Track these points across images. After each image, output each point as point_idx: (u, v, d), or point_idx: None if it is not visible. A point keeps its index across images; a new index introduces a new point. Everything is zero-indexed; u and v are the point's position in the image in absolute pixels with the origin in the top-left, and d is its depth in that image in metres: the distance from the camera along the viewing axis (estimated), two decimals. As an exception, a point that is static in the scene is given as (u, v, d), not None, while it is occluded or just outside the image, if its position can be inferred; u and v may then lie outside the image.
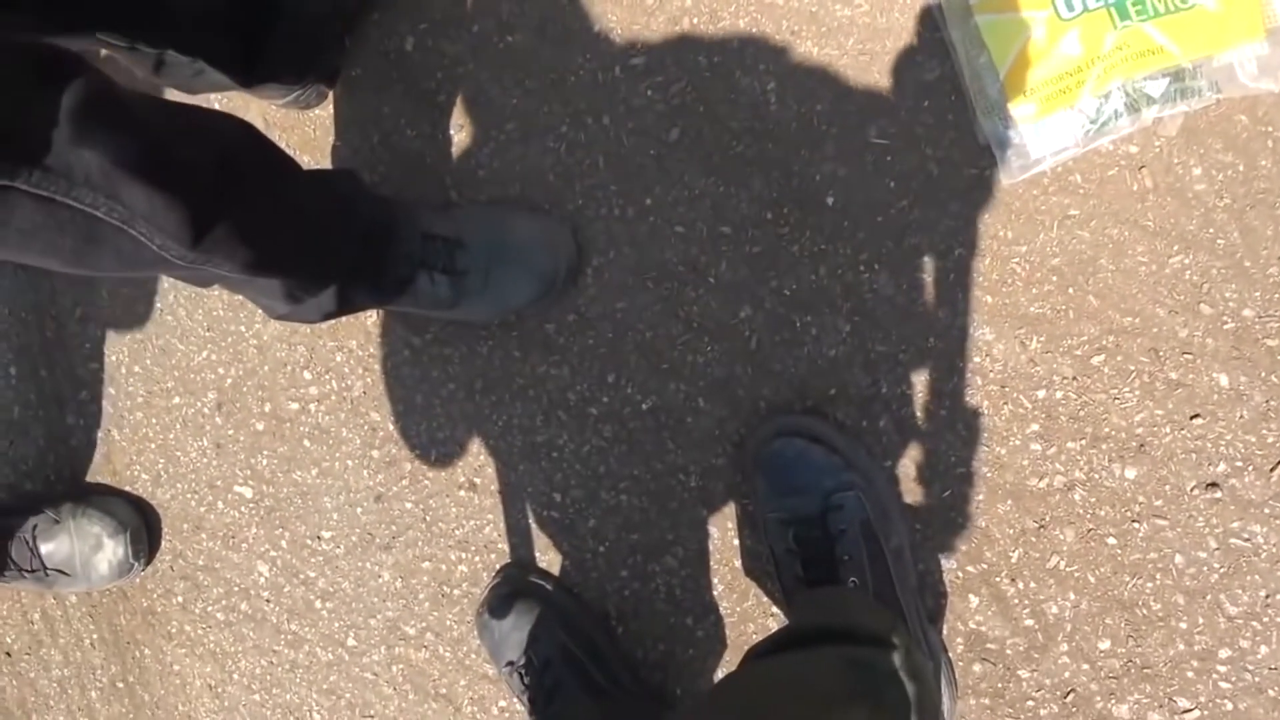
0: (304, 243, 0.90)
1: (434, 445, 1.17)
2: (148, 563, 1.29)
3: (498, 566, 1.14)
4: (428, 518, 1.18)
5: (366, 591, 1.21)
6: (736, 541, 1.06)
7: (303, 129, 1.18)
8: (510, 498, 1.14)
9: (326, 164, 1.18)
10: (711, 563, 1.07)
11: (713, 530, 1.07)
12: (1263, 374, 0.87)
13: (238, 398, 1.24)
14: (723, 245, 1.03)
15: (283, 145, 1.03)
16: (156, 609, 1.31)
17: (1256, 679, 0.90)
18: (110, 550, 1.24)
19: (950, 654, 0.98)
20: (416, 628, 1.19)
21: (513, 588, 1.08)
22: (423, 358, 1.16)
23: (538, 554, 1.13)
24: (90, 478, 1.32)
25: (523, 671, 1.03)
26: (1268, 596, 0.89)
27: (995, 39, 0.88)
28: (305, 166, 0.97)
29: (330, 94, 1.16)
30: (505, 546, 1.14)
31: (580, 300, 1.08)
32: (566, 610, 1.06)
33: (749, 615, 1.06)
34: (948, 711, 0.95)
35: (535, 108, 1.07)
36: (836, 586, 0.90)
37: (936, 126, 0.94)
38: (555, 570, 1.12)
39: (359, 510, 1.20)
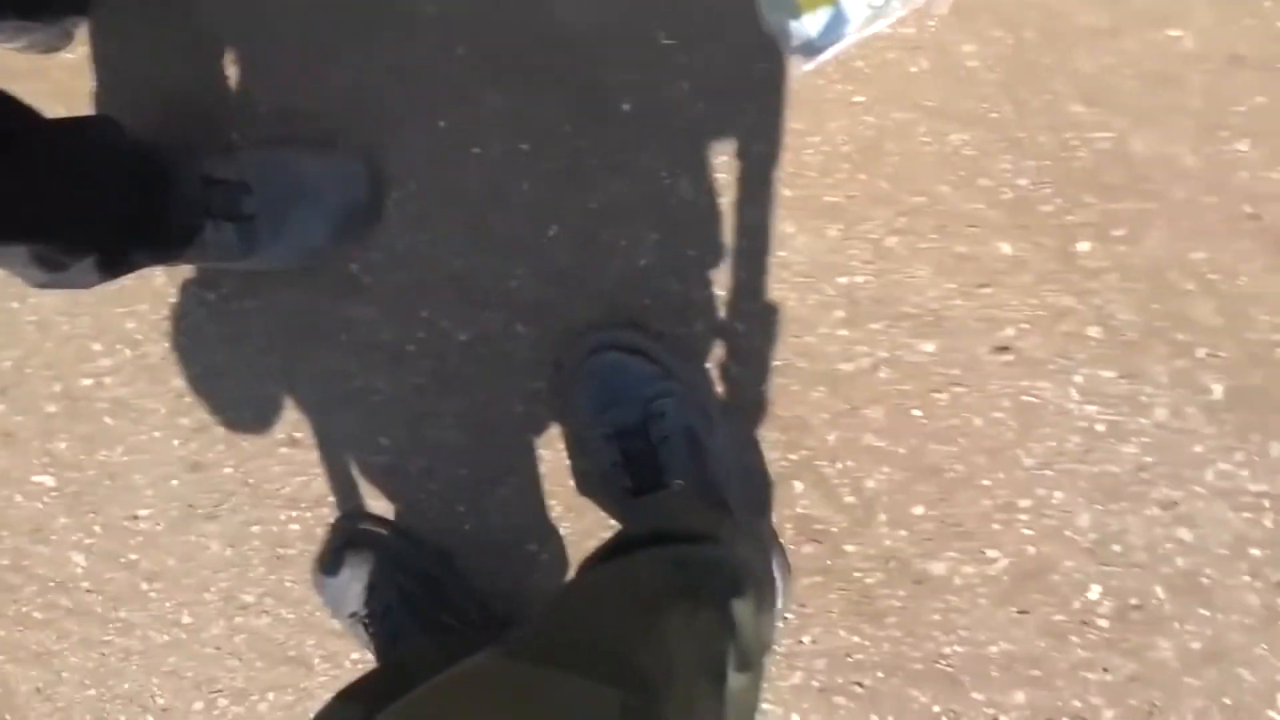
0: (56, 202, 0.82)
1: (247, 404, 1.10)
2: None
3: (330, 520, 1.10)
4: (250, 480, 1.12)
5: (195, 565, 1.14)
6: (568, 462, 1.05)
7: (50, 75, 1.06)
8: (334, 448, 1.09)
9: (85, 113, 1.07)
10: (547, 486, 1.06)
11: (544, 454, 1.05)
12: (1040, 239, 0.92)
13: (21, 381, 1.14)
14: (523, 163, 0.99)
15: (27, 96, 0.93)
16: (-39, 618, 1.20)
17: (1054, 523, 0.97)
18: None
19: (782, 540, 1.02)
20: (254, 594, 1.13)
21: (345, 539, 1.05)
22: (221, 313, 1.09)
23: (370, 501, 1.09)
24: None
25: (366, 621, 1.00)
26: (1058, 446, 0.96)
27: (766, -73, 0.87)
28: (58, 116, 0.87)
29: (76, 33, 1.05)
30: (335, 499, 1.10)
31: (383, 235, 1.03)
32: (403, 554, 1.03)
33: (589, 532, 1.06)
34: (782, 594, 0.99)
35: (316, 34, 1.00)
36: (662, 491, 0.91)
37: (724, 24, 0.93)
38: (390, 515, 1.08)
39: (175, 483, 1.13)
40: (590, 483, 1.05)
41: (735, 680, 0.69)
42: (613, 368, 0.96)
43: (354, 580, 1.01)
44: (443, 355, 1.05)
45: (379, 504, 1.09)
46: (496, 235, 1.01)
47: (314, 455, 1.10)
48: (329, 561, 1.04)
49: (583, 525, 1.06)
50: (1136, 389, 0.93)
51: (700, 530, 0.84)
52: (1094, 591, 0.98)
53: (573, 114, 0.98)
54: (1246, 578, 0.95)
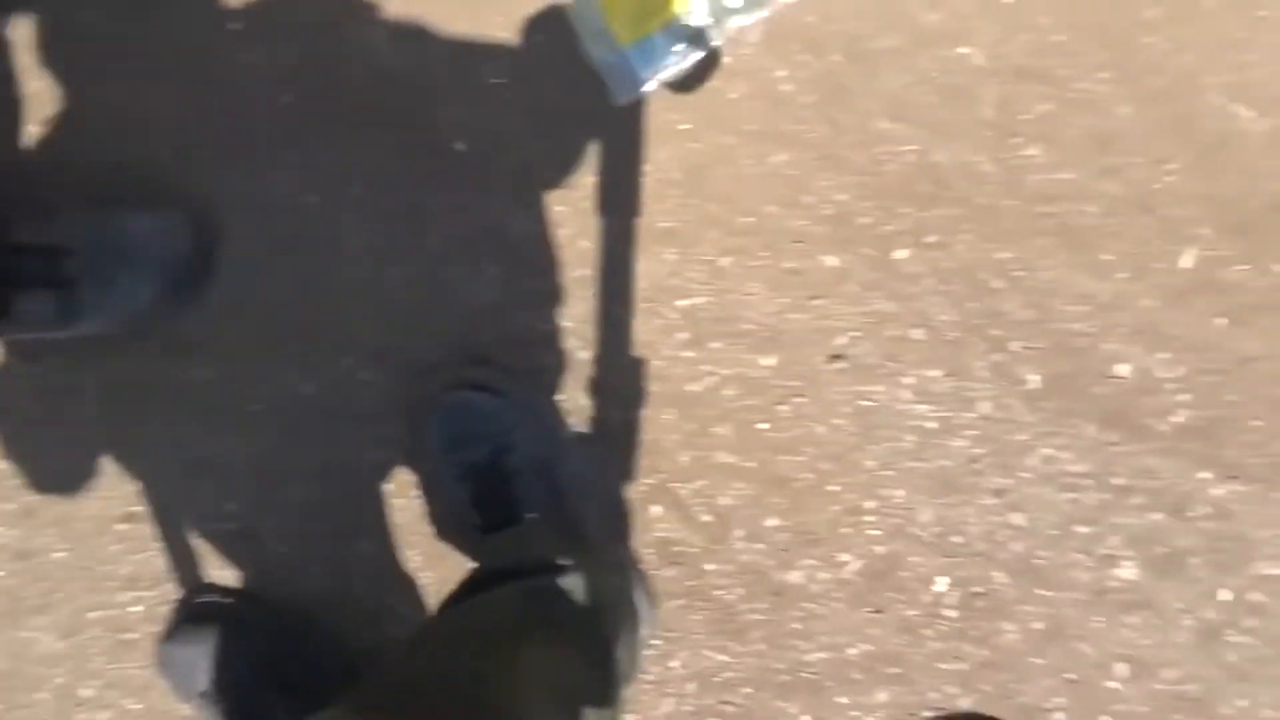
0: None
1: (78, 482, 1.04)
2: None
3: (174, 598, 1.04)
4: (85, 563, 1.05)
5: (25, 665, 1.06)
6: (426, 507, 1.03)
7: None
8: (176, 519, 1.04)
9: None
10: (405, 535, 1.04)
11: (400, 502, 1.03)
12: (861, 249, 0.97)
13: None
14: (358, 208, 0.98)
15: None
16: None
17: (898, 520, 1.01)
18: None
19: (643, 566, 1.02)
20: (94, 687, 1.06)
21: (188, 613, 0.99)
22: (44, 388, 1.02)
23: (218, 570, 1.04)
24: None
25: (217, 700, 0.95)
26: (895, 446, 1.00)
27: (581, -36, 0.89)
28: None
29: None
30: (179, 574, 1.04)
31: (216, 291, 0.99)
32: (254, 622, 0.98)
33: (450, 579, 1.03)
34: (648, 621, 0.99)
35: (138, 86, 0.96)
36: (515, 527, 0.90)
37: (550, 59, 0.95)
38: (240, 583, 1.03)
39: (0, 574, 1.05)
40: (446, 526, 1.03)
41: (597, 715, 0.69)
42: (460, 406, 0.95)
43: (200, 657, 0.95)
44: (287, 409, 1.01)
45: (228, 574, 1.04)
46: (335, 282, 0.99)
47: (154, 530, 1.04)
48: (175, 638, 0.98)
49: (443, 573, 1.04)
50: (961, 385, 0.98)
51: (556, 561, 0.83)
52: (940, 584, 1.02)
53: (405, 156, 0.97)
54: (1076, 555, 1.01)
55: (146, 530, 1.04)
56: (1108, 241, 0.95)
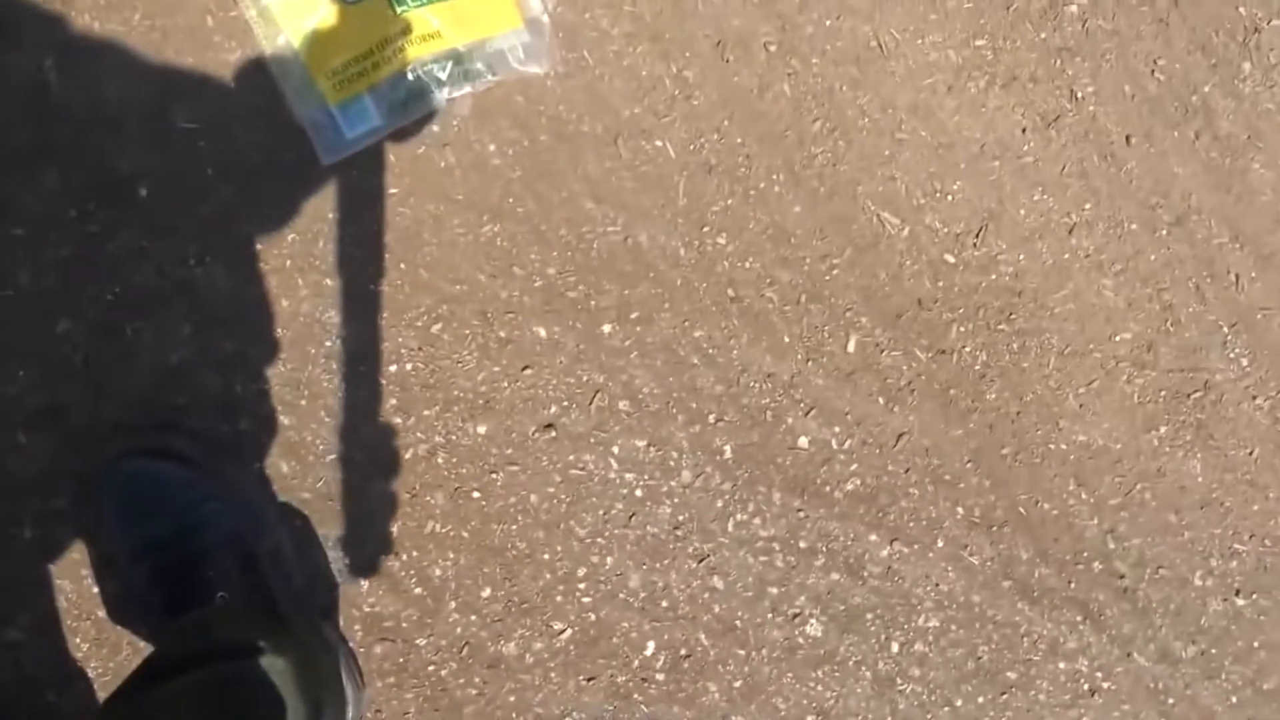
0: None
1: None
2: None
3: None
4: None
5: None
6: (95, 589, 0.92)
7: None
8: None
9: None
10: (68, 620, 0.92)
11: (63, 583, 0.91)
12: (570, 322, 1.01)
13: None
14: (19, 251, 0.89)
15: None
16: None
17: (609, 587, 1.03)
18: None
19: (352, 643, 0.97)
20: None
21: None
22: None
23: None
24: None
25: None
26: (605, 514, 1.03)
27: (288, 19, 0.89)
28: None
29: None
30: None
31: None
32: None
33: (124, 668, 0.93)
34: (353, 702, 0.93)
35: None
36: (204, 608, 0.82)
37: (248, 108, 0.93)
38: None
39: None
40: (123, 609, 0.92)
41: None
42: (142, 475, 0.87)
43: None
44: (-81, 479, 0.88)
45: None
46: (-8, 334, 0.89)
47: None
48: None
49: (116, 662, 0.93)
50: (664, 454, 1.04)
51: (243, 643, 0.77)
52: (649, 647, 1.05)
53: (79, 198, 0.90)
54: (769, 614, 1.07)
55: None
56: (787, 325, 1.05)
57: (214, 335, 0.93)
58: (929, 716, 1.12)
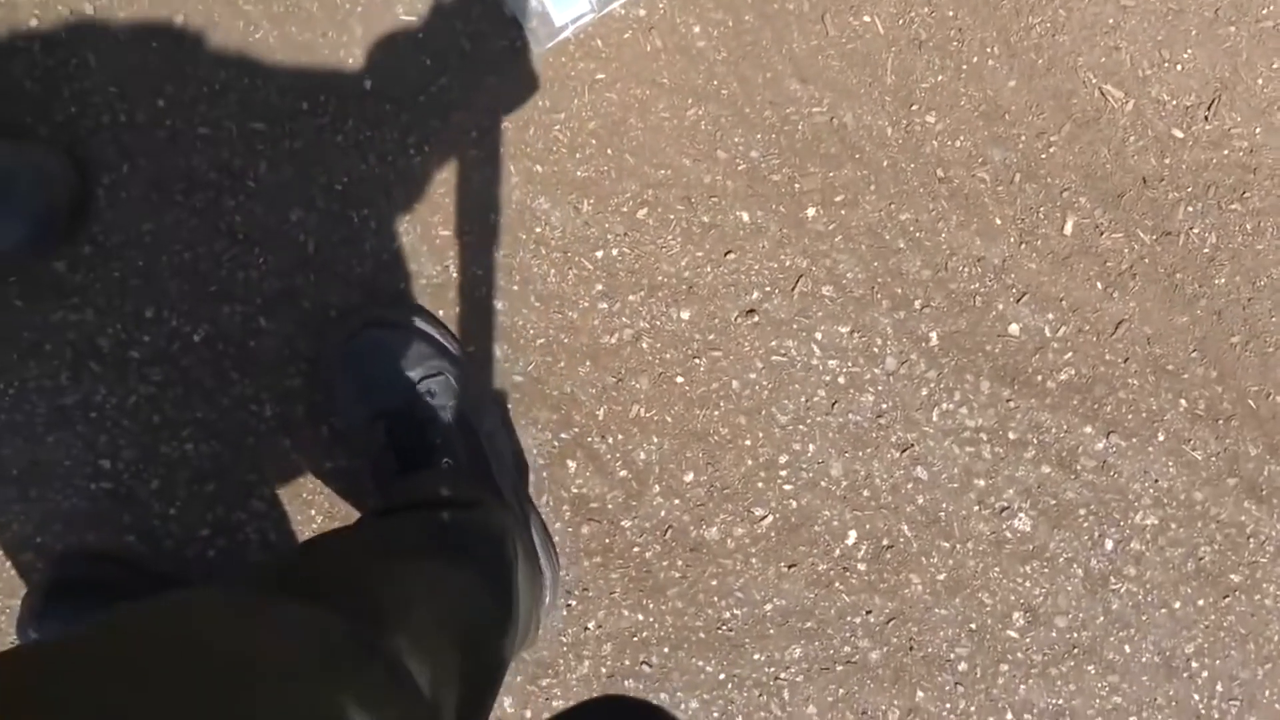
0: None
1: (-75, 439, 0.94)
2: None
3: (40, 565, 0.94)
4: (-67, 528, 0.94)
5: None
6: (329, 464, 0.98)
7: None
8: (43, 479, 0.95)
9: None
10: (304, 494, 0.98)
11: (298, 458, 0.98)
12: (774, 206, 1.00)
13: None
14: (258, 144, 0.94)
15: None
16: None
17: (810, 475, 1.03)
18: None
19: (560, 522, 1.00)
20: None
21: (57, 580, 0.90)
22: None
23: (93, 535, 0.95)
24: None
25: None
26: (807, 401, 1.02)
27: (499, -93, 0.90)
28: None
29: None
30: (45, 539, 0.95)
31: (95, 228, 0.93)
32: (128, 594, 0.90)
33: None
34: (550, 584, 0.97)
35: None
36: (430, 470, 0.86)
37: (462, 1, 0.95)
38: (118, 548, 0.95)
39: None
40: (355, 485, 0.98)
41: (484, 652, 0.67)
42: (380, 345, 0.91)
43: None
44: (175, 358, 0.95)
45: (104, 536, 0.95)
46: (232, 222, 0.94)
47: (15, 490, 0.94)
48: (33, 615, 0.88)
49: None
50: (868, 341, 1.02)
51: (470, 497, 0.81)
52: (851, 537, 1.04)
53: (311, 92, 0.94)
54: (975, 507, 1.05)
55: (6, 493, 0.94)
56: (999, 207, 1.01)
57: (432, 222, 0.96)
58: (1144, 618, 1.08)
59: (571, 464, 1.01)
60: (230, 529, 0.97)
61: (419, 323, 0.93)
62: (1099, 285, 1.03)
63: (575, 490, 1.01)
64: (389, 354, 0.90)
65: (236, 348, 0.96)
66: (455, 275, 0.97)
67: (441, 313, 0.97)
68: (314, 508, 0.99)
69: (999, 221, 1.01)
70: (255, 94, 0.93)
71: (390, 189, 0.96)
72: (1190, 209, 1.02)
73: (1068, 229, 1.02)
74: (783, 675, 1.05)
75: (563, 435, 1.00)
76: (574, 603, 1.01)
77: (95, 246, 0.93)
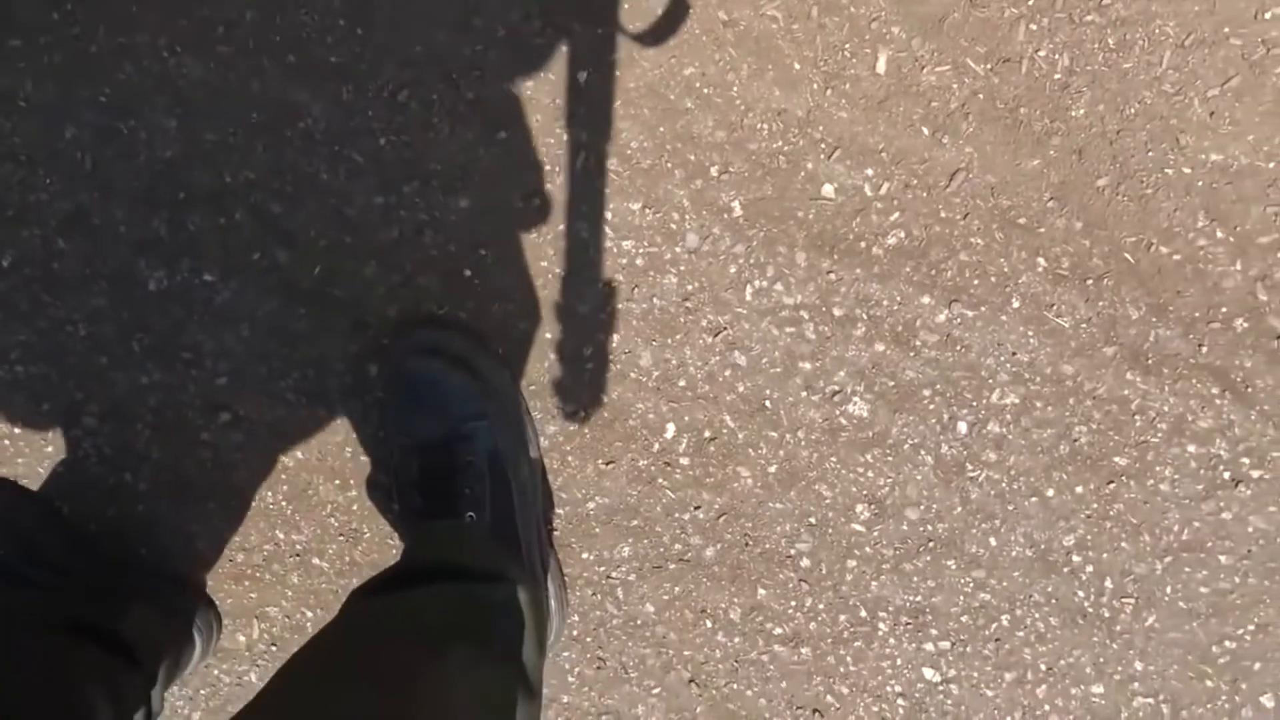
0: None
1: None
2: None
3: None
4: None
5: None
6: (144, 379, 1.00)
7: None
8: None
9: None
10: (128, 409, 1.01)
11: (116, 376, 1.00)
12: (542, 74, 0.91)
13: None
14: (20, 61, 0.94)
15: None
16: None
17: (619, 366, 0.96)
18: None
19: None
20: None
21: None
22: None
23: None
24: None
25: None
26: (604, 288, 0.94)
27: None
28: None
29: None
30: None
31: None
32: None
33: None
34: (556, 632, 0.96)
35: None
36: (453, 521, 0.85)
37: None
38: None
39: None
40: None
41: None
42: (430, 377, 0.90)
43: None
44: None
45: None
46: (12, 144, 0.95)
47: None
48: None
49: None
50: (663, 217, 0.93)
51: (490, 569, 0.81)
52: (670, 430, 0.97)
53: (56, 1, 0.93)
54: (803, 393, 0.95)
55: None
56: (796, 49, 0.88)
57: (197, 125, 0.94)
58: (1011, 508, 0.96)
59: (373, 368, 0.98)
60: (71, 442, 1.02)
61: (482, 353, 0.92)
62: (925, 131, 0.88)
63: (379, 396, 0.99)
64: (439, 387, 0.89)
65: (42, 270, 0.98)
66: (228, 179, 0.95)
67: (207, 225, 0.96)
68: (140, 421, 1.02)
69: (798, 66, 0.88)
70: (7, 6, 0.93)
71: (150, 96, 0.94)
72: (1033, 26, 0.85)
73: (880, 67, 0.87)
74: (614, 574, 1.01)
75: (352, 346, 0.97)
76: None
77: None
